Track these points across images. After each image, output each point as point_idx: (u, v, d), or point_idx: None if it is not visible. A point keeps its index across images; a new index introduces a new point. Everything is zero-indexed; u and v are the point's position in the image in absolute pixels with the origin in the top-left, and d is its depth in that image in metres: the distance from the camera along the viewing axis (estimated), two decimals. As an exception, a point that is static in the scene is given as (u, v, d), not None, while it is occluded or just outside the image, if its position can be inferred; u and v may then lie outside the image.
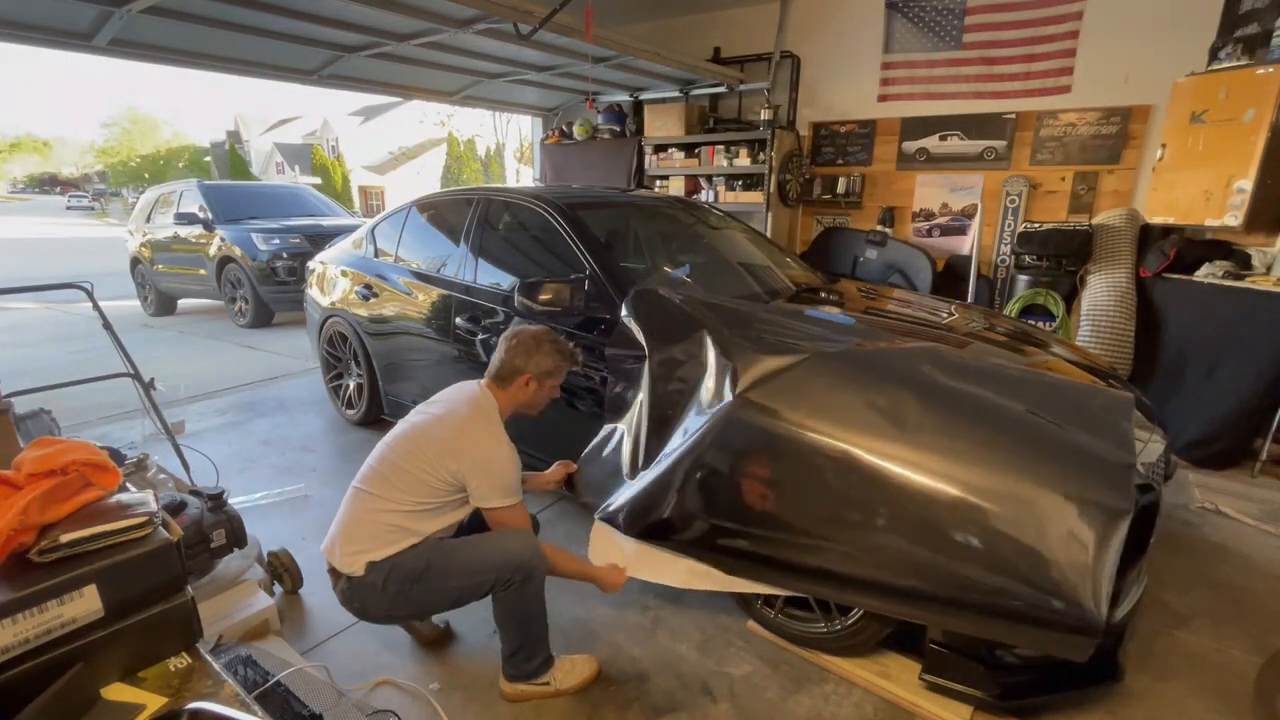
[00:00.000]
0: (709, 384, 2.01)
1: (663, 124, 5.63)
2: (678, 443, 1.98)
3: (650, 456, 2.06)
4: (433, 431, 1.81)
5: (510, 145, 25.47)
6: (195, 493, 2.04)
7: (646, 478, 1.99)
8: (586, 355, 2.51)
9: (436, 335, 3.19)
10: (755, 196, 5.21)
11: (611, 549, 2.05)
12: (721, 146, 5.37)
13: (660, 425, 2.09)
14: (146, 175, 41.83)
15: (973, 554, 1.55)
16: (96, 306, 2.61)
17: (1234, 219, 3.43)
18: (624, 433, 2.21)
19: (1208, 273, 3.61)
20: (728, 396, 1.89)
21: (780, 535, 1.78)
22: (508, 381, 1.92)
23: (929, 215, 5.01)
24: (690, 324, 2.16)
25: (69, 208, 43.98)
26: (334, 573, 1.81)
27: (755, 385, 1.88)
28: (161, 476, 2.24)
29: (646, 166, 5.79)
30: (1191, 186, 3.60)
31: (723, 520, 1.87)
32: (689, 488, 1.89)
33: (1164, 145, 3.73)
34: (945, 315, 2.81)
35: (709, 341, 2.07)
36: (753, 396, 1.86)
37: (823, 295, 3.02)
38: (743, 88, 5.53)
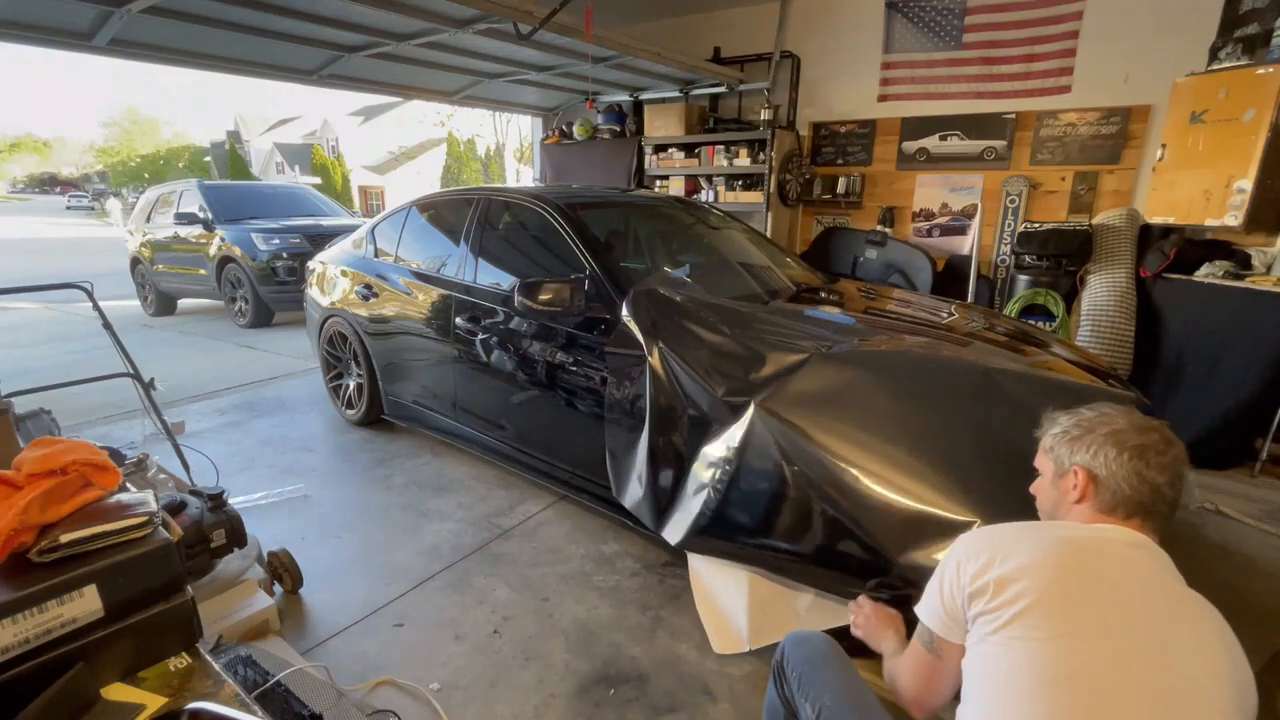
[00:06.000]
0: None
1: (663, 124, 5.63)
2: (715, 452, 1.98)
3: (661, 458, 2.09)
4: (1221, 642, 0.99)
5: (510, 145, 25.47)
6: (195, 493, 2.03)
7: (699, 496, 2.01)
8: (586, 355, 2.52)
9: (436, 335, 3.19)
10: (755, 196, 5.21)
11: (727, 631, 2.03)
12: (721, 146, 5.37)
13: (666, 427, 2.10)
14: (146, 175, 41.94)
15: None
16: (96, 306, 2.61)
17: (1234, 219, 3.43)
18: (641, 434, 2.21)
19: (1208, 273, 3.60)
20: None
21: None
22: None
23: (929, 215, 5.01)
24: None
25: (69, 208, 43.99)
26: None
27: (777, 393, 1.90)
28: (161, 476, 2.24)
29: (646, 166, 5.79)
30: (1191, 186, 3.60)
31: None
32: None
33: (1164, 145, 3.73)
34: (945, 315, 2.81)
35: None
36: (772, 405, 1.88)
37: (823, 295, 3.02)
38: (743, 88, 5.53)
